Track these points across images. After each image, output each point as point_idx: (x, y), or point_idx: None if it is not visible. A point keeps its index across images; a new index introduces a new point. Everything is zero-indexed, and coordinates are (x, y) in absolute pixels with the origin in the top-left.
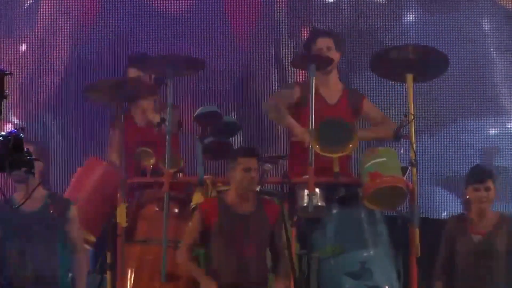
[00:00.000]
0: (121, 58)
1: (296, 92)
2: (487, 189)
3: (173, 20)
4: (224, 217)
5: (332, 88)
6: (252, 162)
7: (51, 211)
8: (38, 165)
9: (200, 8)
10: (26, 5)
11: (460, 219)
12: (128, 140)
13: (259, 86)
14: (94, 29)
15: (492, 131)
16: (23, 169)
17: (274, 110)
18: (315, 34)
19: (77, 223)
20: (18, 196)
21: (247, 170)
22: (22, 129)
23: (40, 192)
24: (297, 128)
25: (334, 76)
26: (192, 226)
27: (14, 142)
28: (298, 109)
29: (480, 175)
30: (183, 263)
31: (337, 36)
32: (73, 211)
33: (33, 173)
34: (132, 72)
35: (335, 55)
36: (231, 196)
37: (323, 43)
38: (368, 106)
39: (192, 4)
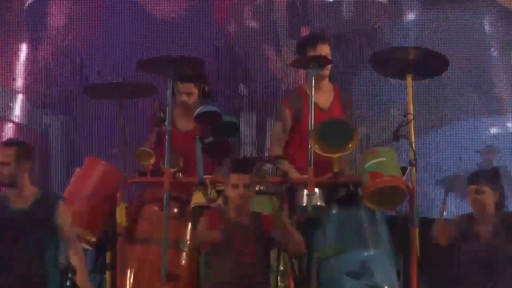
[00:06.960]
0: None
1: (288, 116)
2: (478, 192)
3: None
4: (225, 230)
5: (325, 92)
6: (240, 178)
7: (40, 209)
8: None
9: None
10: (26, 4)
11: (466, 220)
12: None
13: (259, 86)
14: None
15: (492, 131)
16: None
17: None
18: (315, 38)
19: (68, 218)
20: (9, 194)
21: (235, 186)
22: None
23: (31, 190)
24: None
25: (326, 81)
26: (204, 228)
27: None
28: (294, 128)
29: (471, 177)
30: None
31: (331, 42)
32: (62, 206)
33: None
34: (185, 87)
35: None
36: (230, 209)
37: (323, 50)
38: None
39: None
